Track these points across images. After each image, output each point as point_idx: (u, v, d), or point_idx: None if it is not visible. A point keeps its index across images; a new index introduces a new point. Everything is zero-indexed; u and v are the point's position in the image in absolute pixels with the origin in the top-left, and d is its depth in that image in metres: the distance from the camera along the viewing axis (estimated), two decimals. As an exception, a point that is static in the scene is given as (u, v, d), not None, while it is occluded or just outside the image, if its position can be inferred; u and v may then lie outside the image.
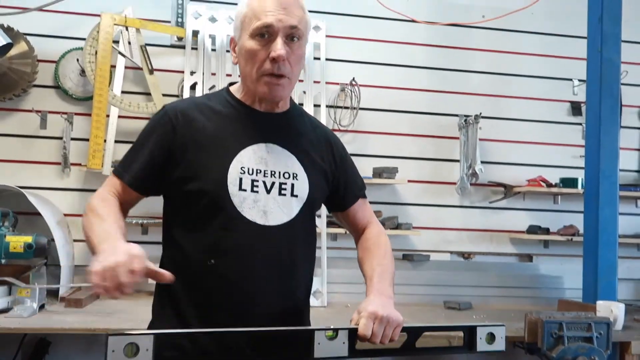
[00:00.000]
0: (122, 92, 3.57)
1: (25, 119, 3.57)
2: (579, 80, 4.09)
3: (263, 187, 1.57)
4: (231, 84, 1.73)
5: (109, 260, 1.27)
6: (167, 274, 1.33)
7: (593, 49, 3.54)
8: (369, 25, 3.93)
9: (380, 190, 3.84)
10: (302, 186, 1.62)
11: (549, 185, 3.95)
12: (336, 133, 1.97)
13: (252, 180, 1.56)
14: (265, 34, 1.54)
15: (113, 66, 3.55)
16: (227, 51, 3.70)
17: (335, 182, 1.74)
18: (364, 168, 3.75)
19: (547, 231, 3.96)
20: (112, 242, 1.38)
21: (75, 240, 3.49)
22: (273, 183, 1.58)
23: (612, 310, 3.07)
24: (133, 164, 1.58)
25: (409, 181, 3.82)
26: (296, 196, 1.60)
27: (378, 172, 3.73)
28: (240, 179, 1.55)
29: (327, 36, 3.84)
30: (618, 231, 3.45)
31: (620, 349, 2.99)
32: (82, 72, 3.57)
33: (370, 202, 1.84)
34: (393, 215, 3.78)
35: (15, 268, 2.94)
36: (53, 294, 3.19)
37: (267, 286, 1.54)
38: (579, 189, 3.89)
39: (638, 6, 4.20)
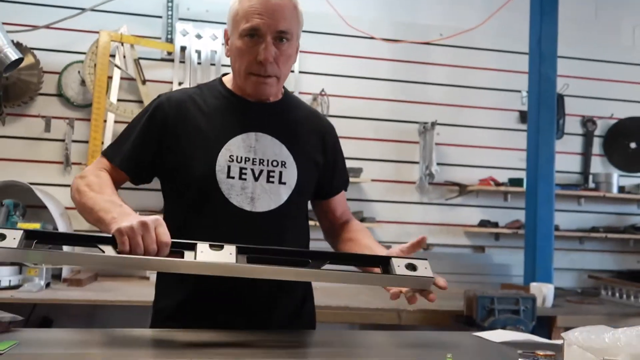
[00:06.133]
0: (118, 100, 4.02)
1: (32, 124, 4.03)
2: (527, 92, 4.57)
3: (251, 174, 1.59)
4: (225, 74, 1.75)
5: (133, 220, 1.30)
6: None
7: (533, 66, 4.04)
8: (337, 42, 4.42)
9: (347, 188, 4.30)
10: (291, 174, 1.63)
11: (498, 184, 4.44)
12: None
13: (241, 168, 1.58)
14: (253, 35, 1.55)
15: (110, 77, 4.00)
16: (212, 64, 4.17)
17: (324, 171, 1.74)
18: (333, 168, 4.22)
19: (495, 225, 4.45)
20: (124, 211, 1.42)
21: (75, 231, 3.94)
22: (261, 171, 1.60)
23: (542, 290, 3.55)
24: (123, 146, 1.62)
25: (372, 180, 4.30)
26: (284, 183, 1.62)
27: (345, 172, 4.20)
28: (229, 167, 1.57)
29: (300, 51, 4.31)
30: (554, 224, 3.95)
31: (548, 322, 3.46)
32: (83, 83, 4.03)
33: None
34: (358, 210, 4.25)
35: (24, 251, 3.39)
36: (57, 276, 3.62)
37: (257, 280, 1.52)
38: (524, 188, 4.37)
39: (579, 26, 4.71)
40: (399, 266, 1.41)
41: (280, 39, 1.56)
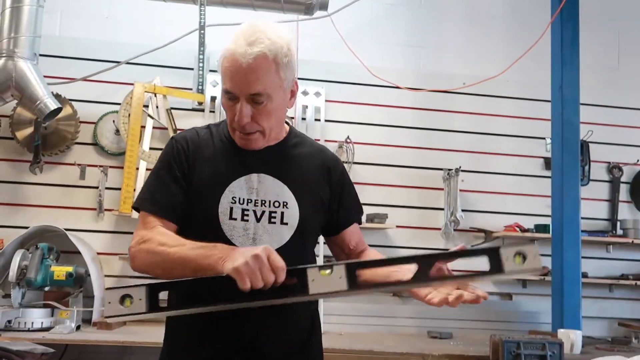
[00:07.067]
0: (150, 148, 4.16)
1: (68, 171, 4.18)
2: (550, 139, 4.61)
3: (253, 215, 1.62)
4: None
5: (246, 254, 1.32)
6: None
7: (556, 112, 4.09)
8: (362, 91, 4.53)
9: (372, 234, 4.34)
10: (293, 214, 1.65)
11: (523, 230, 4.43)
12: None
13: (243, 210, 1.61)
14: (230, 97, 1.58)
15: (143, 126, 4.15)
16: (240, 114, 4.30)
17: (331, 205, 1.75)
18: (358, 215, 4.27)
19: (522, 272, 4.41)
20: (224, 248, 1.42)
21: (106, 276, 4.03)
22: (263, 212, 1.63)
23: (569, 336, 3.51)
24: (163, 197, 1.63)
25: (397, 226, 4.33)
26: (286, 224, 1.64)
27: (370, 218, 4.25)
28: (231, 208, 1.61)
29: (326, 101, 4.45)
30: (581, 270, 3.92)
31: (576, 369, 3.41)
32: (117, 132, 4.19)
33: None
34: (384, 257, 4.27)
35: (57, 294, 3.50)
36: (87, 320, 3.70)
37: (259, 314, 1.55)
38: (550, 234, 4.35)
39: (602, 74, 4.78)
40: (507, 258, 1.33)
41: (255, 101, 1.57)
